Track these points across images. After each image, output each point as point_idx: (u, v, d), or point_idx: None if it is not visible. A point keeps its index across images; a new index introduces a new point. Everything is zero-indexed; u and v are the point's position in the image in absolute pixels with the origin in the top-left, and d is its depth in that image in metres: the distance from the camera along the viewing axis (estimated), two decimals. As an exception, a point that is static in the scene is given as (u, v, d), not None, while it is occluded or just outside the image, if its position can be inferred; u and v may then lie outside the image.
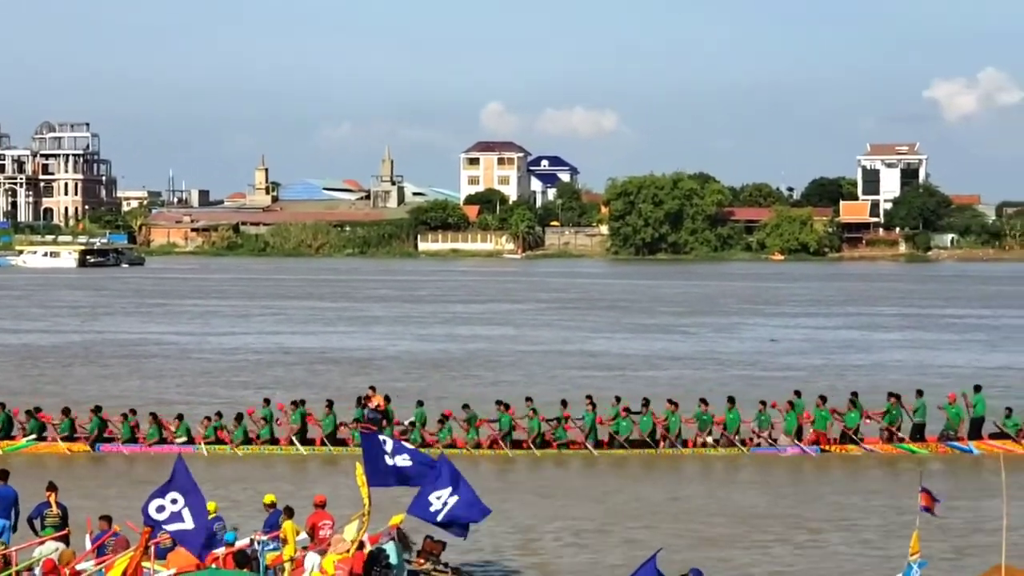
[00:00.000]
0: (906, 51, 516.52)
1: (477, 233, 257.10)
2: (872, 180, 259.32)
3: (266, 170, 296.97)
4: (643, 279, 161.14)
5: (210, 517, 25.47)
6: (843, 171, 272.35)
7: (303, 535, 25.37)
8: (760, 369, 65.04)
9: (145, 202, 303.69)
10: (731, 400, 42.47)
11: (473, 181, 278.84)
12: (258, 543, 25.43)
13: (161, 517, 23.66)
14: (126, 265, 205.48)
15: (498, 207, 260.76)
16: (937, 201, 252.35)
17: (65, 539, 25.89)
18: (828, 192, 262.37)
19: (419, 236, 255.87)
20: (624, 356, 71.07)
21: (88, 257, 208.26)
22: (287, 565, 24.42)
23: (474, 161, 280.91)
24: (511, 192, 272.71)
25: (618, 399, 42.89)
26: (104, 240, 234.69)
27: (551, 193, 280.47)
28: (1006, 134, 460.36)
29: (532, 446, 41.28)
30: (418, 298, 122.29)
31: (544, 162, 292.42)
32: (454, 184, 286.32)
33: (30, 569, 23.48)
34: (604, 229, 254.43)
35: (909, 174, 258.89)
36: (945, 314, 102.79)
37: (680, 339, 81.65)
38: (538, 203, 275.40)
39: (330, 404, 42.53)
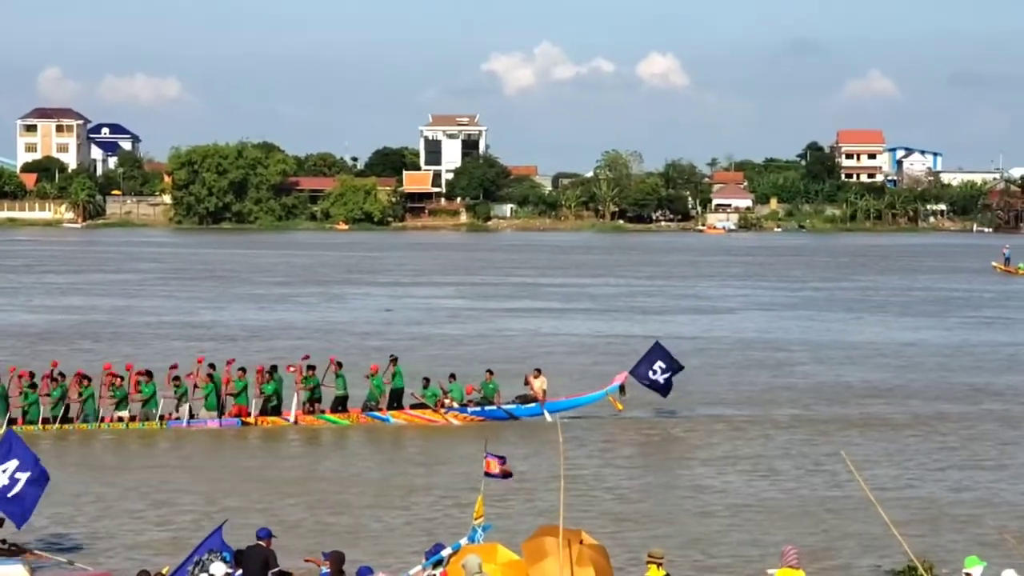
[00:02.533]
0: (467, 23, 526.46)
1: (35, 202, 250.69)
2: (434, 151, 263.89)
3: None
4: (237, 248, 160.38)
5: None
6: (406, 141, 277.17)
7: None
8: (380, 339, 65.38)
9: None
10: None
11: (30, 148, 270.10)
12: None
13: None
14: None
15: (57, 175, 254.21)
16: (496, 172, 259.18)
17: None
18: (391, 162, 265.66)
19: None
20: (245, 327, 70.96)
21: None
22: None
23: (31, 128, 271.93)
24: (70, 160, 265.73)
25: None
26: None
27: (112, 162, 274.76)
28: (560, 107, 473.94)
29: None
30: (11, 268, 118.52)
31: (105, 130, 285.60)
32: (10, 151, 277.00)
33: None
34: (167, 198, 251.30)
35: (470, 145, 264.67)
36: (542, 283, 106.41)
37: (293, 308, 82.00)
38: (99, 171, 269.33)
39: None
